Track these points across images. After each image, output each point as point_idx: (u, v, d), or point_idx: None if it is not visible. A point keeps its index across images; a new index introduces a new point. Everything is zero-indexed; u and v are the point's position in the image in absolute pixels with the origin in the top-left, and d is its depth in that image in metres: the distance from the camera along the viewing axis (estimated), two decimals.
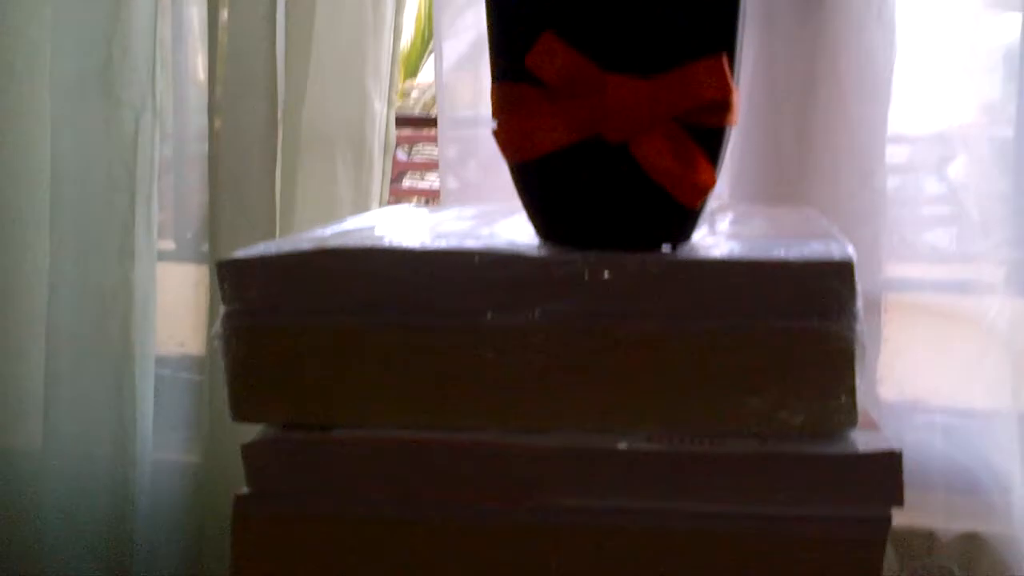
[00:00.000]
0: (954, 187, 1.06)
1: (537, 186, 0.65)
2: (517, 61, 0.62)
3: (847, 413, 0.62)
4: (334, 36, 1.09)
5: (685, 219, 0.64)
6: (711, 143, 0.62)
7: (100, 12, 1.11)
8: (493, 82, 0.65)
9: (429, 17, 3.83)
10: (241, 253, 0.67)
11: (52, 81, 1.12)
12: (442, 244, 0.66)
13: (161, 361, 1.20)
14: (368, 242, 0.67)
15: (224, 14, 1.10)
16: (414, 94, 3.64)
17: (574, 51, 0.61)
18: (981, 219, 1.04)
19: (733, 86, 0.61)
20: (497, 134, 0.64)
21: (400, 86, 3.46)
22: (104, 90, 1.11)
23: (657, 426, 0.63)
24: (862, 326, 0.62)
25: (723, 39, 0.61)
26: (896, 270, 1.08)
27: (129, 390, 1.15)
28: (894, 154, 1.08)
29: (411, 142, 2.79)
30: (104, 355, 1.15)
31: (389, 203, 1.17)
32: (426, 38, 3.99)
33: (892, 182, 1.06)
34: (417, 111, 3.88)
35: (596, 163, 0.62)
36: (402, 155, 2.72)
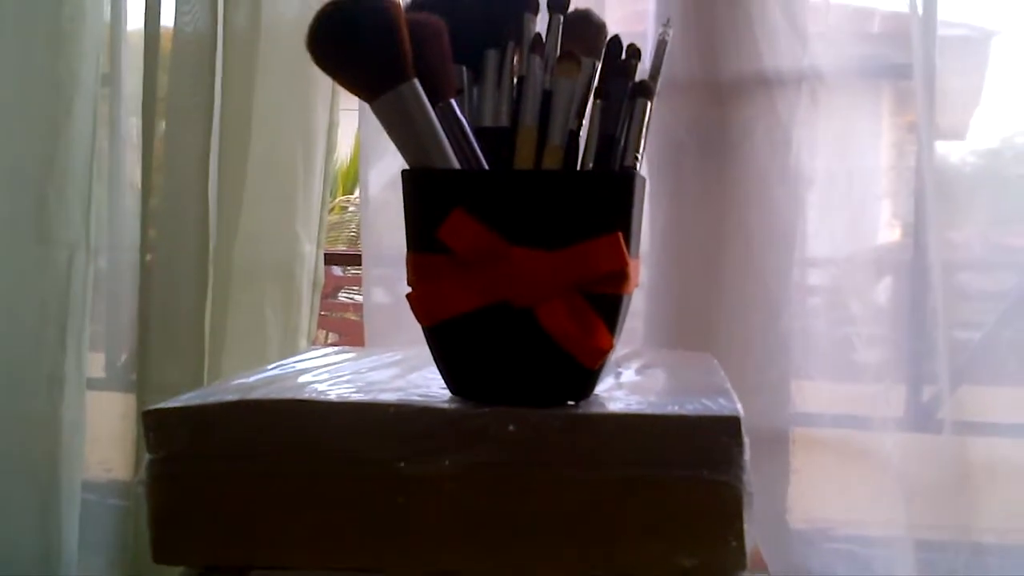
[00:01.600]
0: (862, 314, 1.12)
1: (449, 346, 0.70)
2: (430, 233, 0.66)
3: (737, 557, 0.65)
4: (266, 182, 1.14)
5: (585, 378, 0.69)
6: (609, 310, 0.67)
7: (34, 157, 1.15)
8: (408, 251, 0.69)
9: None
10: (165, 403, 0.70)
11: None
12: (358, 397, 0.70)
13: (88, 486, 1.22)
14: (289, 394, 0.71)
15: (158, 159, 1.15)
16: (351, 209, 3.68)
17: (483, 226, 0.66)
18: (880, 352, 1.10)
19: (629, 259, 0.66)
20: (411, 298, 0.68)
21: (337, 199, 3.51)
22: (38, 230, 1.15)
23: (561, 569, 0.66)
24: (749, 476, 0.66)
25: (620, 218, 0.66)
26: (803, 404, 1.14)
27: (54, 515, 1.17)
28: (814, 282, 1.14)
29: (346, 264, 2.83)
30: (29, 481, 1.16)
31: (323, 319, 1.21)
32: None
33: (810, 307, 1.12)
34: (354, 225, 3.92)
35: (503, 327, 0.67)
36: (338, 271, 2.75)
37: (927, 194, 1.09)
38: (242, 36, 1.14)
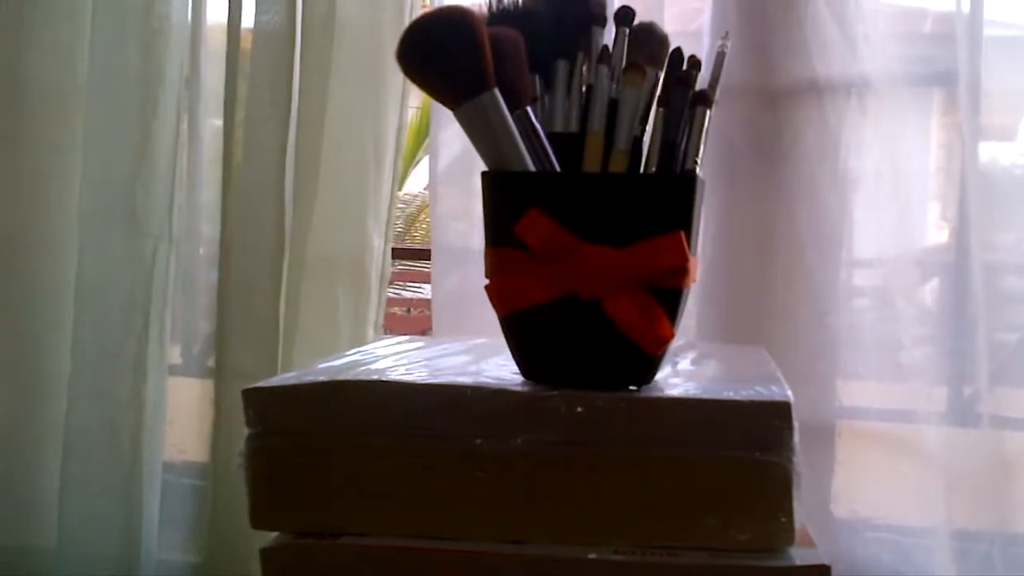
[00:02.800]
0: (907, 315, 1.16)
1: (522, 334, 0.76)
2: (507, 230, 0.73)
3: (786, 532, 0.71)
4: (339, 179, 1.20)
5: (648, 364, 0.75)
6: (671, 301, 0.73)
7: (126, 154, 1.21)
8: (486, 246, 0.76)
9: (417, 132, 3.97)
10: (263, 383, 0.77)
11: (80, 212, 1.23)
12: (439, 380, 0.76)
13: (166, 467, 1.28)
14: (376, 376, 0.77)
15: (238, 150, 1.21)
16: (400, 204, 3.74)
17: (556, 223, 0.72)
18: (924, 351, 1.14)
19: (690, 255, 0.72)
20: (489, 290, 0.75)
21: None
22: (127, 221, 1.21)
23: (623, 540, 0.72)
24: (799, 457, 0.72)
25: (682, 218, 0.73)
26: (849, 399, 1.18)
27: (137, 494, 1.23)
28: (861, 283, 1.18)
29: (397, 259, 2.89)
30: (115, 460, 1.23)
31: (382, 323, 1.27)
32: (415, 151, 4.12)
33: (856, 311, 1.16)
34: (401, 220, 3.99)
35: (572, 316, 0.73)
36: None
37: (969, 196, 1.12)
38: (318, 33, 1.19)
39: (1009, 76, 1.13)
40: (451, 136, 1.21)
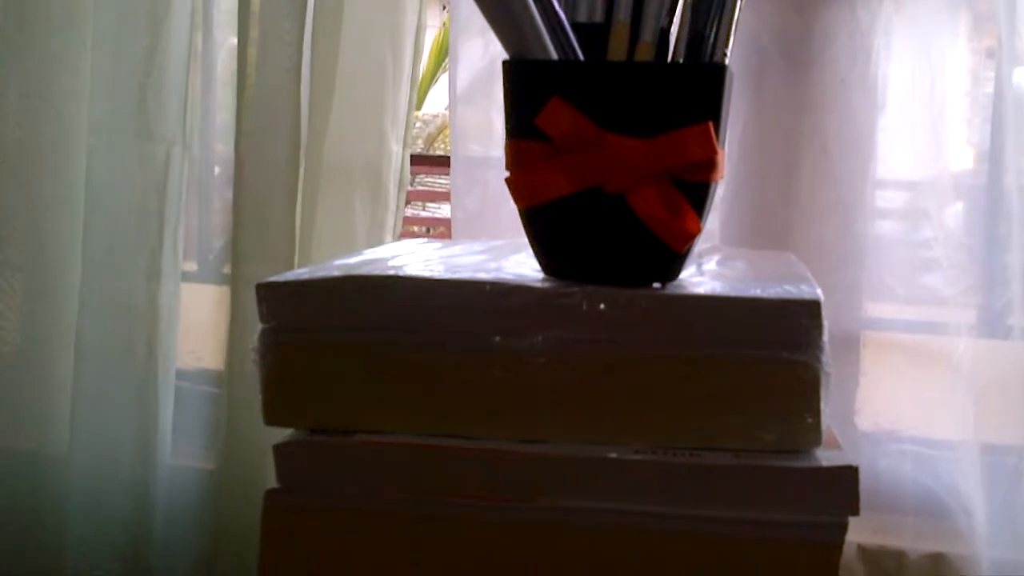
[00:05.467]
0: (935, 234, 1.14)
1: (543, 229, 0.74)
2: (528, 121, 0.70)
3: (813, 433, 0.69)
4: (356, 85, 1.16)
5: (673, 261, 0.73)
6: (698, 196, 0.71)
7: (136, 55, 1.18)
8: (507, 138, 0.73)
9: (438, 52, 3.93)
10: (277, 277, 0.75)
11: (90, 118, 1.20)
12: (456, 275, 0.74)
13: (180, 374, 1.27)
14: (391, 271, 0.75)
15: (252, 57, 1.18)
16: (418, 125, 3.72)
17: (579, 113, 0.69)
18: (953, 266, 1.12)
19: (718, 148, 0.70)
20: (509, 183, 0.72)
21: None
22: (138, 127, 1.19)
23: (645, 440, 0.71)
24: (828, 357, 0.70)
25: (710, 108, 0.70)
26: (874, 310, 1.16)
27: (152, 400, 1.22)
28: (887, 198, 1.16)
29: (415, 173, 2.87)
30: (129, 367, 1.22)
31: (400, 231, 1.25)
32: (435, 71, 4.08)
33: (882, 226, 1.14)
34: (421, 141, 3.96)
35: (595, 210, 0.71)
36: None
37: (1007, 119, 1.09)
38: None
39: None
40: (471, 50, 1.18)
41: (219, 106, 1.28)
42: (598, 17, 0.75)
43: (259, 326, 0.74)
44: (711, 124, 0.69)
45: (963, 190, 1.13)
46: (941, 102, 1.12)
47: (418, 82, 1.22)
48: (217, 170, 1.29)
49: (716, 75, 0.71)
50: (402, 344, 0.72)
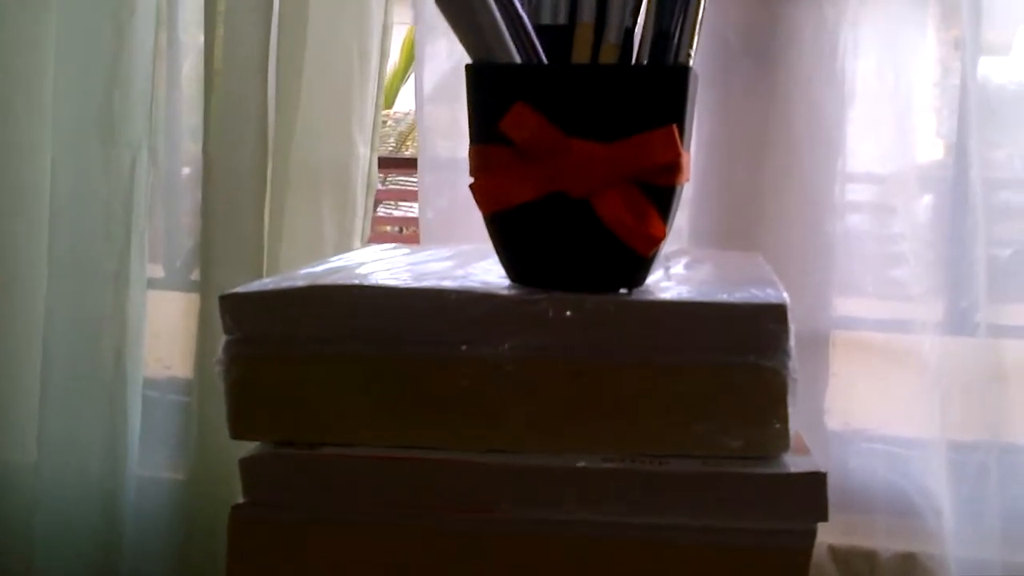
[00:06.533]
0: (902, 229, 1.14)
1: (508, 234, 0.73)
2: (492, 126, 0.69)
3: (780, 438, 0.69)
4: (322, 85, 1.16)
5: (639, 266, 0.72)
6: (663, 200, 0.70)
7: (100, 58, 1.17)
8: (471, 144, 0.72)
9: (408, 49, 3.91)
10: (241, 288, 0.74)
11: (53, 121, 1.19)
12: (422, 284, 0.73)
13: (148, 383, 1.26)
14: (356, 280, 0.74)
15: (219, 58, 1.17)
16: (389, 123, 3.70)
17: (543, 118, 0.69)
18: (920, 261, 1.12)
19: (683, 151, 0.69)
20: (473, 188, 0.71)
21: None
22: (103, 131, 1.18)
23: (613, 448, 0.70)
24: (794, 363, 0.69)
25: (674, 112, 0.69)
26: (843, 307, 1.16)
27: (120, 410, 1.21)
28: (856, 191, 1.16)
29: (386, 173, 2.86)
30: (96, 376, 1.21)
31: (368, 235, 1.24)
32: (405, 69, 4.06)
33: (851, 220, 1.14)
34: (392, 139, 3.94)
35: (560, 216, 0.70)
36: (378, 185, 2.78)
37: (971, 111, 1.09)
38: None
39: None
40: (437, 50, 1.18)
41: (187, 106, 1.27)
42: (562, 19, 0.74)
43: (223, 338, 0.73)
44: (675, 127, 0.68)
45: (931, 183, 1.14)
46: (908, 95, 1.12)
47: (384, 84, 1.22)
48: (186, 171, 1.27)
49: (680, 77, 0.70)
50: (368, 354, 0.71)
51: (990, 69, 1.10)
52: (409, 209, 3.20)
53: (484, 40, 0.69)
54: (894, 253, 1.14)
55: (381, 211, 2.95)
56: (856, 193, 1.16)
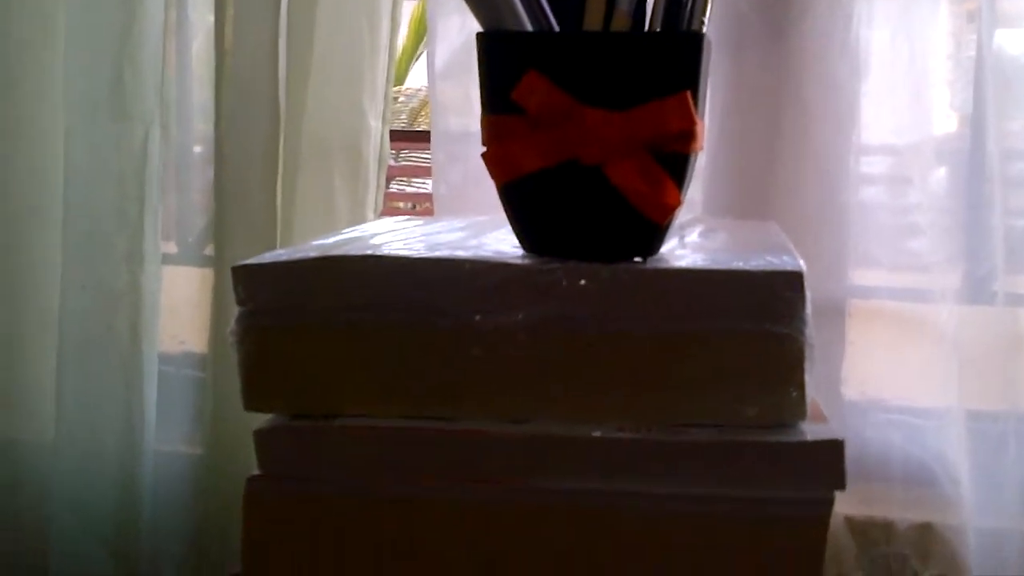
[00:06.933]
0: (918, 199, 1.13)
1: (522, 204, 0.73)
2: (504, 95, 0.69)
3: (797, 407, 0.69)
4: (333, 59, 1.15)
5: (653, 234, 0.72)
6: (677, 167, 0.70)
7: (111, 32, 1.17)
8: (483, 113, 0.72)
9: (417, 27, 3.90)
10: (254, 259, 0.74)
11: (66, 97, 1.19)
12: (436, 253, 0.73)
13: (163, 358, 1.26)
14: (369, 251, 0.74)
15: (229, 36, 1.16)
16: (401, 99, 3.69)
17: (555, 86, 0.68)
18: (937, 231, 1.11)
19: (697, 119, 0.69)
20: (486, 158, 0.71)
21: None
22: (115, 106, 1.17)
23: (628, 417, 0.70)
24: (811, 329, 0.69)
25: (688, 78, 0.69)
26: (859, 277, 1.15)
27: (136, 385, 1.21)
28: (871, 163, 1.15)
29: (399, 149, 2.85)
30: (112, 352, 1.21)
31: (381, 209, 1.24)
32: (415, 46, 4.05)
33: (866, 192, 1.13)
34: (404, 115, 3.93)
35: (574, 184, 0.70)
36: (390, 160, 2.77)
37: (987, 83, 1.09)
38: None
39: None
40: (448, 25, 1.17)
41: (197, 84, 1.26)
42: None
43: (236, 309, 0.73)
44: (689, 94, 0.68)
45: (946, 155, 1.13)
46: (923, 66, 1.11)
47: (396, 57, 1.21)
48: (197, 149, 1.27)
49: (694, 44, 0.70)
50: (381, 325, 0.71)
51: (1005, 40, 1.09)
52: (422, 186, 3.19)
53: (495, 8, 0.69)
54: (910, 224, 1.13)
55: (394, 187, 2.94)
56: (871, 166, 1.15)
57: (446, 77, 1.18)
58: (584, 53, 0.69)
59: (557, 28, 0.71)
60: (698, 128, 0.69)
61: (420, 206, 3.22)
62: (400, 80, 3.71)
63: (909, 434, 1.12)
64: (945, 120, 1.16)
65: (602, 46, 0.70)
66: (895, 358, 1.14)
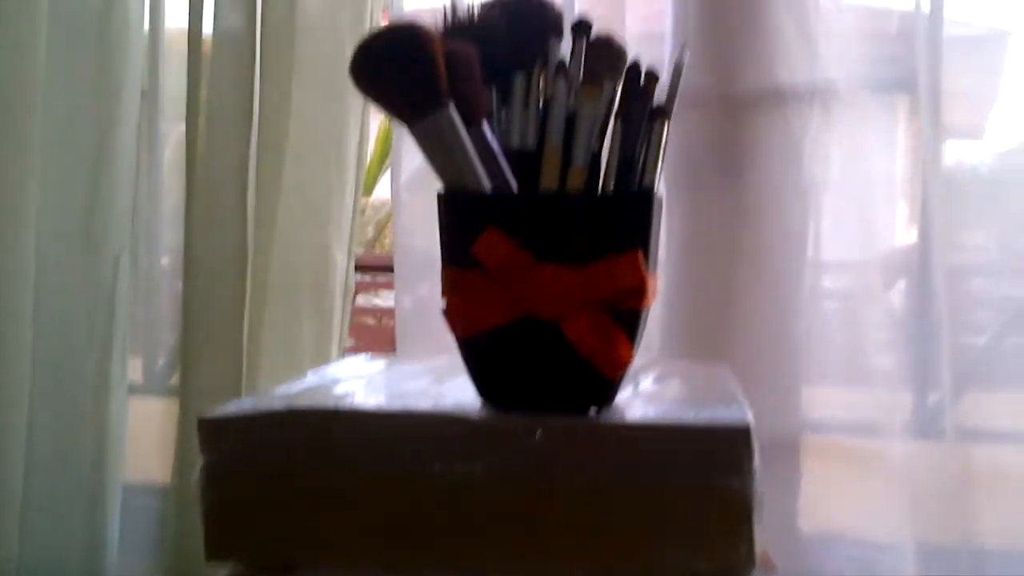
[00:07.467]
0: (874, 320, 1.15)
1: (480, 357, 0.74)
2: (464, 250, 0.71)
3: (747, 560, 0.69)
4: (300, 194, 1.18)
5: (607, 387, 0.74)
6: (630, 322, 0.72)
7: (84, 166, 1.19)
8: (443, 267, 0.74)
9: (385, 137, 3.93)
10: (219, 412, 0.75)
11: (38, 228, 1.20)
12: (396, 405, 0.74)
13: (128, 488, 1.26)
14: (331, 403, 0.76)
15: (201, 165, 1.19)
16: (368, 212, 3.72)
17: (513, 244, 0.71)
18: (889, 362, 1.13)
19: (648, 275, 0.71)
20: (446, 312, 0.73)
21: None
22: (85, 238, 1.19)
23: (583, 569, 0.71)
24: (759, 483, 0.70)
25: (640, 236, 0.71)
26: (815, 397, 1.17)
27: (99, 515, 1.22)
28: (826, 291, 1.18)
29: (364, 272, 2.86)
30: (77, 480, 1.21)
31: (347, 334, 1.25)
32: (383, 156, 4.08)
33: (821, 310, 1.15)
34: (370, 229, 3.96)
35: (531, 339, 0.72)
36: (357, 276, 2.77)
37: (932, 198, 1.11)
38: (279, 39, 1.17)
39: (972, 75, 1.12)
40: (414, 145, 1.19)
41: (168, 207, 1.29)
42: (530, 143, 0.77)
43: (201, 458, 0.74)
44: (640, 253, 0.70)
45: (902, 270, 1.15)
46: (875, 188, 1.14)
47: (361, 190, 1.24)
48: (164, 260, 1.28)
49: (644, 204, 0.72)
50: (342, 476, 0.72)
51: (961, 154, 1.13)
52: (389, 299, 3.21)
53: (456, 167, 0.72)
54: (863, 344, 1.15)
55: (360, 302, 2.95)
56: (826, 285, 1.17)
57: (411, 190, 1.21)
58: (540, 212, 0.72)
59: (515, 187, 0.74)
60: (649, 284, 0.72)
61: (386, 319, 3.23)
62: (366, 191, 3.74)
63: (865, 568, 1.13)
64: (902, 236, 1.19)
65: (557, 206, 0.72)
66: (849, 493, 1.15)
